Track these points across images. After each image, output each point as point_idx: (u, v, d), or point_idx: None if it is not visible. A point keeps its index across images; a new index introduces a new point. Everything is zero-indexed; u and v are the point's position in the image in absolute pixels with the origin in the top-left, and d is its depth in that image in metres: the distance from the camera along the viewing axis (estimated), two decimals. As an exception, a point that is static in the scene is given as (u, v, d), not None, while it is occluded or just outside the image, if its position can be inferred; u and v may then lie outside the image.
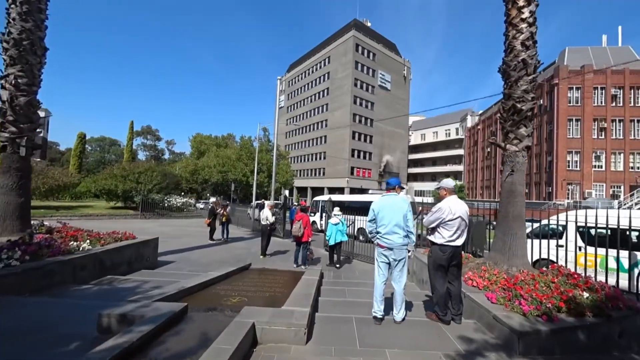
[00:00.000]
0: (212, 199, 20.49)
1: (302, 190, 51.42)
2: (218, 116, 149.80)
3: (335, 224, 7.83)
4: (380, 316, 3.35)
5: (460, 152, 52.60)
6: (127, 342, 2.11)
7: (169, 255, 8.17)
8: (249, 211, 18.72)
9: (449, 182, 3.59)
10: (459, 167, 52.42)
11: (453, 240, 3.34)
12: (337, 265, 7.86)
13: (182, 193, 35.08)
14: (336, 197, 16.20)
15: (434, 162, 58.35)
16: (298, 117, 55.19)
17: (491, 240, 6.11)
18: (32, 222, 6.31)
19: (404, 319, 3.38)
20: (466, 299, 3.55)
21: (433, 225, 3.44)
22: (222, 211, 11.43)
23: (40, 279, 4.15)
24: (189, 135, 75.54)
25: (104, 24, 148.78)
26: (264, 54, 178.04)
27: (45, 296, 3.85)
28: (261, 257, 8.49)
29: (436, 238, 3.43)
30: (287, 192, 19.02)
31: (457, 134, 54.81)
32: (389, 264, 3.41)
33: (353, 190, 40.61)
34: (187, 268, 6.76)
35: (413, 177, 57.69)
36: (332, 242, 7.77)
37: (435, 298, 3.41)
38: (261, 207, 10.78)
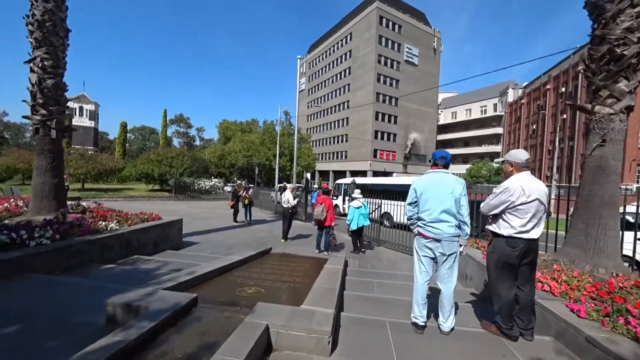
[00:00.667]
0: (238, 182, 21.04)
1: (324, 174, 51.17)
2: (242, 102, 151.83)
3: (358, 208, 7.45)
4: (422, 323, 2.79)
5: (498, 130, 48.80)
6: (121, 342, 1.97)
7: (195, 236, 8.35)
8: (272, 194, 18.90)
9: (519, 154, 2.73)
10: (496, 148, 48.89)
11: (527, 232, 2.60)
12: (362, 250, 7.58)
13: (213, 177, 36.49)
14: (360, 180, 15.72)
15: (466, 142, 54.95)
16: (319, 99, 53.99)
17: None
18: (69, 202, 6.65)
19: (453, 329, 2.78)
20: (537, 308, 2.87)
21: (496, 210, 2.72)
22: (244, 194, 11.48)
23: (70, 257, 4.28)
24: (216, 122, 77.54)
25: (142, 22, 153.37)
26: (285, 37, 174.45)
27: (72, 275, 3.96)
28: (282, 240, 8.41)
29: (501, 228, 2.69)
30: (308, 175, 18.78)
31: (494, 110, 50.64)
32: (434, 259, 2.81)
33: (376, 174, 39.57)
34: (210, 250, 6.82)
35: (442, 160, 54.83)
36: (354, 227, 7.41)
37: (498, 306, 2.72)
38: (283, 189, 10.65)
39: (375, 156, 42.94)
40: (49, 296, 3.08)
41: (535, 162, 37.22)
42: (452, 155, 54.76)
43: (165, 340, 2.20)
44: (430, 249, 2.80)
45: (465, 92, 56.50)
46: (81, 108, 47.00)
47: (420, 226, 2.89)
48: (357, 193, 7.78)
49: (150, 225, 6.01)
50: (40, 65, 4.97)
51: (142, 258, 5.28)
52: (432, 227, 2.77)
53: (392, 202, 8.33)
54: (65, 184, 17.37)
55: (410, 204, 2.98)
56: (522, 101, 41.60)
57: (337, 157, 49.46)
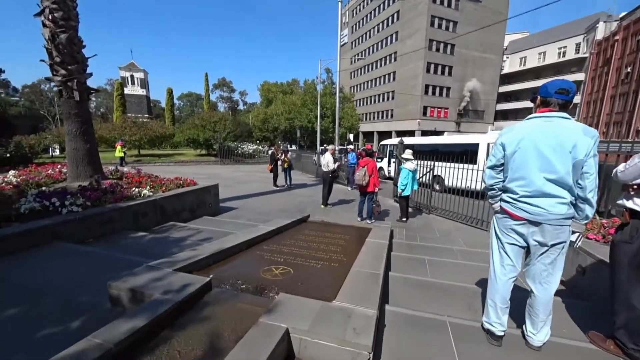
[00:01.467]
0: (276, 145, 21.00)
1: (369, 135, 48.76)
2: (283, 62, 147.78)
3: (413, 170, 6.61)
4: (501, 333, 1.98)
5: (579, 77, 40.21)
6: (100, 348, 1.49)
7: (234, 201, 8.22)
8: (314, 157, 18.41)
9: None
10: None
11: None
12: (404, 219, 6.73)
13: (258, 141, 37.21)
14: (408, 140, 14.13)
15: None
16: (363, 52, 49.49)
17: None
18: (109, 167, 6.75)
19: (545, 343, 1.95)
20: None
21: None
22: (283, 157, 11.00)
23: (102, 225, 4.17)
24: (257, 84, 77.50)
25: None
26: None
27: (101, 244, 3.83)
28: (322, 206, 7.84)
29: None
30: (351, 137, 17.44)
31: (577, 51, 41.29)
32: (526, 248, 1.90)
33: (425, 134, 36.26)
34: (247, 216, 6.54)
35: (502, 116, 47.74)
36: (408, 192, 6.60)
37: (624, 317, 1.85)
38: (324, 152, 9.89)
39: (424, 114, 39.11)
40: (67, 269, 2.86)
41: (623, 114, 30.41)
42: (516, 109, 47.68)
43: (158, 343, 1.70)
44: (521, 234, 1.85)
45: (540, 31, 46.69)
46: (132, 77, 49.45)
47: (506, 201, 1.90)
48: (408, 154, 6.76)
49: (184, 192, 5.80)
50: (50, 17, 4.56)
51: (177, 225, 5.12)
52: (529, 203, 1.78)
53: (444, 163, 7.31)
54: (123, 150, 18.93)
55: (492, 167, 1.97)
56: (616, 37, 32.88)
57: (382, 117, 46.32)
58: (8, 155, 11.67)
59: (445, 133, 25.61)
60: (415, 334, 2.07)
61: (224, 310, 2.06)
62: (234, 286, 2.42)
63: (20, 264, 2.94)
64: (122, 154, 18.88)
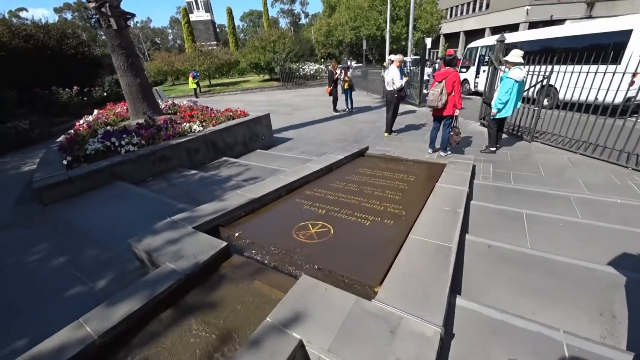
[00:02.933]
0: (351, 63, 18.65)
1: (452, 38, 39.52)
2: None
3: (520, 81, 4.72)
4: None
5: None
6: (88, 338, 1.27)
7: (290, 131, 7.77)
8: (383, 73, 15.98)
9: None
10: None
11: None
12: (493, 149, 5.23)
13: (323, 59, 34.31)
14: (510, 37, 10.42)
15: None
16: None
17: None
18: (166, 101, 6.83)
19: None
20: None
21: None
22: (343, 76, 9.57)
23: (158, 163, 4.25)
24: (318, -11, 67.49)
25: None
26: None
27: (155, 183, 3.93)
28: (385, 134, 6.73)
29: None
30: (428, 41, 13.56)
31: None
32: None
33: (534, 27, 27.07)
34: (301, 148, 6.06)
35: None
36: (508, 113, 4.91)
37: None
38: (389, 66, 8.10)
39: (537, -3, 28.71)
40: (116, 214, 2.94)
41: None
42: None
43: (147, 337, 1.43)
44: None
45: None
46: (196, 0, 48.20)
47: None
48: (516, 55, 4.70)
49: (234, 124, 5.49)
50: None
51: (228, 161, 5.00)
52: None
53: (561, 67, 5.04)
54: (195, 81, 19.67)
55: None
56: None
57: (473, 10, 36.10)
58: (105, 94, 13.27)
59: (567, 22, 18.49)
60: None
61: (236, 291, 1.68)
62: (257, 251, 2.01)
63: (80, 206, 3.16)
64: (195, 86, 19.81)
